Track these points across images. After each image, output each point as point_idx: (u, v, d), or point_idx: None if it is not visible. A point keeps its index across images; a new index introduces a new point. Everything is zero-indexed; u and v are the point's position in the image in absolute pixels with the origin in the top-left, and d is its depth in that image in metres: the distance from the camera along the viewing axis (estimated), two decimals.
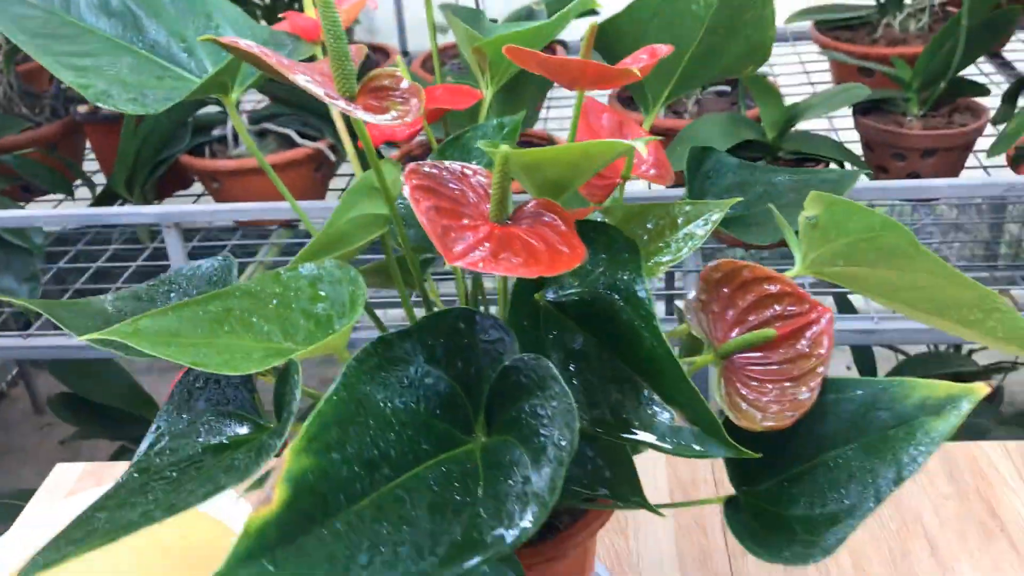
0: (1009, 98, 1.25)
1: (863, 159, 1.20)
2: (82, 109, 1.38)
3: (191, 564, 0.84)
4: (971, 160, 1.25)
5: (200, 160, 1.23)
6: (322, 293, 0.58)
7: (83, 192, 1.44)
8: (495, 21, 1.11)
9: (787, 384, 0.54)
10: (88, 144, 1.46)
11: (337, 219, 0.63)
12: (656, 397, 0.50)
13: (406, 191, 0.47)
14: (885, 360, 1.90)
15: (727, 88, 1.36)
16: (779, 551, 0.52)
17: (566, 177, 0.52)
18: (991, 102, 1.27)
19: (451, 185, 0.50)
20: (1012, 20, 1.13)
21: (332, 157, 1.27)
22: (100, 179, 1.44)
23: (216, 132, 1.29)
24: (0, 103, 1.38)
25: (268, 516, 0.39)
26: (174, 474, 0.51)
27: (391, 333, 0.49)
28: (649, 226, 0.63)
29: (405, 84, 0.50)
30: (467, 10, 0.86)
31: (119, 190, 1.23)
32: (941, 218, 1.87)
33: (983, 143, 1.24)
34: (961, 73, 1.23)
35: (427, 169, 0.49)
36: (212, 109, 1.30)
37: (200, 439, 0.54)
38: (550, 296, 0.55)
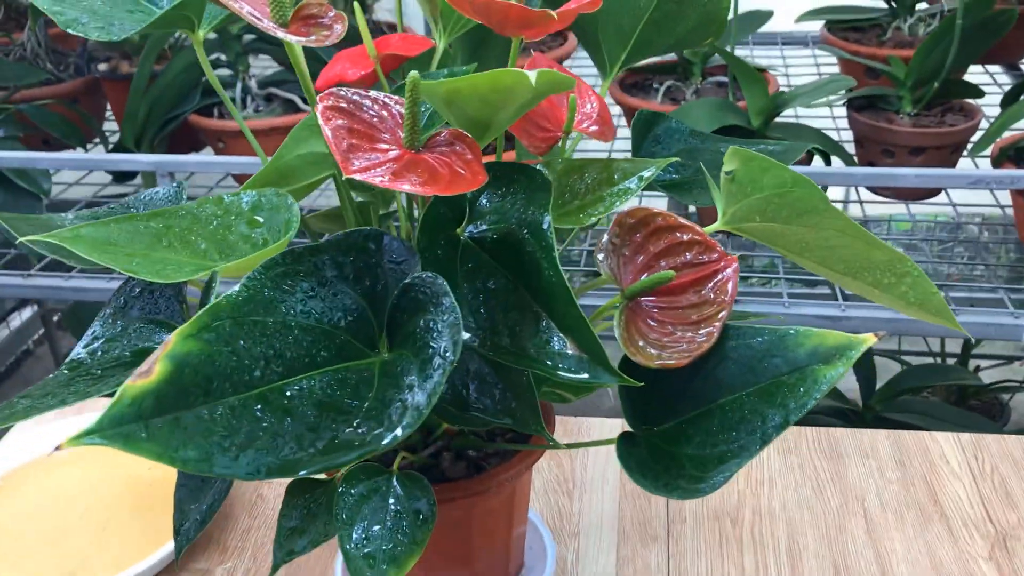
0: (1008, 102, 1.25)
1: (853, 155, 1.21)
2: (102, 67, 1.43)
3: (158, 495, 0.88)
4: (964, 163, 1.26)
5: (206, 120, 1.28)
6: (260, 219, 0.61)
7: (100, 151, 1.49)
8: None
9: (688, 327, 0.56)
10: (108, 103, 1.52)
11: (285, 153, 0.66)
12: (553, 326, 0.53)
13: (318, 110, 0.50)
14: (887, 371, 1.90)
15: (726, 79, 1.38)
16: (667, 485, 0.54)
17: (485, 113, 0.55)
18: (991, 107, 1.28)
19: (369, 112, 0.52)
20: (1009, 22, 1.14)
21: None
22: (117, 138, 1.49)
23: (227, 94, 1.33)
24: (27, 57, 1.43)
25: (146, 386, 0.42)
26: (99, 372, 0.55)
27: (301, 247, 0.52)
28: (588, 180, 0.65)
29: (331, 13, 0.53)
30: None
31: (129, 145, 1.28)
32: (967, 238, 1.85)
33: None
34: (966, 77, 1.23)
35: (347, 94, 0.52)
36: (224, 72, 1.34)
37: (129, 343, 0.57)
38: (470, 231, 0.57)
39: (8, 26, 1.62)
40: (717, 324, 0.56)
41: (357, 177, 0.47)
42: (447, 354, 0.47)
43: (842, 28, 1.50)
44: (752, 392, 0.55)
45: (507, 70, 0.49)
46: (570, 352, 0.52)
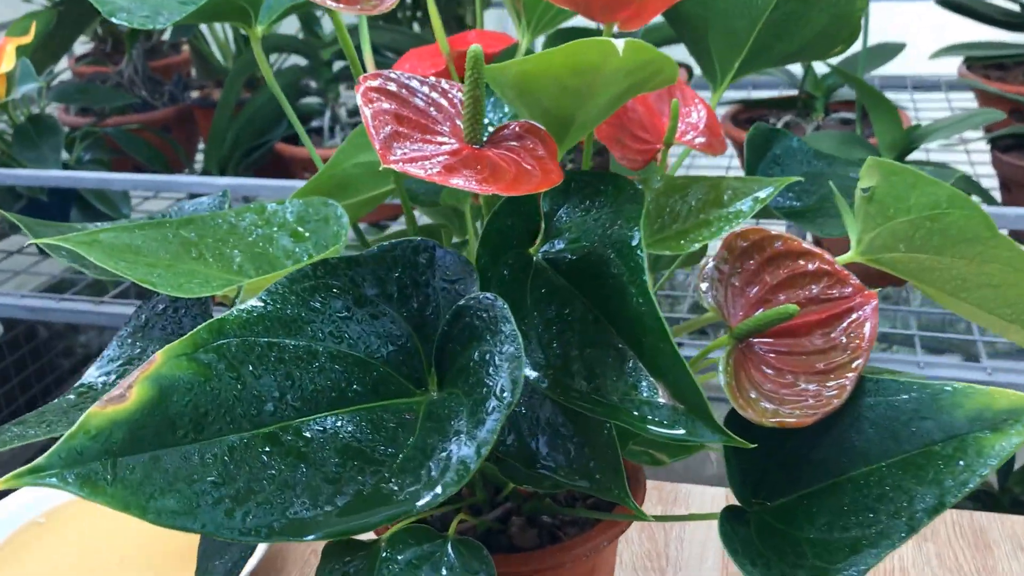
0: None
1: (997, 199, 1.08)
2: (194, 95, 1.40)
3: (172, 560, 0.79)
4: None
5: (293, 148, 1.22)
6: (305, 232, 0.53)
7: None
8: None
9: (813, 377, 0.45)
10: (200, 133, 1.49)
11: (342, 160, 0.58)
12: (641, 367, 0.42)
13: (359, 91, 0.41)
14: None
15: (852, 116, 1.26)
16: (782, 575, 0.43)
17: (566, 106, 0.45)
18: None
19: (424, 99, 0.44)
20: None
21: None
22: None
23: (315, 123, 1.28)
24: (123, 83, 1.41)
25: (117, 414, 0.33)
26: None
27: (337, 257, 0.43)
28: (692, 202, 0.55)
29: None
30: None
31: (212, 171, 1.23)
32: None
33: None
34: None
35: (398, 76, 0.43)
36: (313, 100, 1.29)
37: None
38: (545, 250, 0.48)
39: (115, 57, 1.62)
40: (851, 375, 0.45)
41: (396, 168, 0.38)
42: (504, 394, 0.38)
43: (983, 66, 1.37)
44: (895, 463, 0.44)
45: (588, 40, 0.39)
46: (662, 401, 0.41)
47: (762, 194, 0.53)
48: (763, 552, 0.44)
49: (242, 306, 0.39)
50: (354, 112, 1.26)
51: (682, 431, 0.40)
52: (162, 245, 0.50)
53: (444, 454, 0.37)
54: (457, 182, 0.38)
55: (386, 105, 0.41)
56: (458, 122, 0.44)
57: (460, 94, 0.45)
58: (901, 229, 0.48)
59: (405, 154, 0.39)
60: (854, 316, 0.46)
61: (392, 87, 0.42)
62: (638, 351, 0.42)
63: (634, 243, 0.43)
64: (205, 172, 1.24)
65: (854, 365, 0.45)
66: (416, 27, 1.38)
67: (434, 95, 0.44)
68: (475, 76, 0.41)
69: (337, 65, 1.26)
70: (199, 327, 0.37)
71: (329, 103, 1.25)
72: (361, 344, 0.42)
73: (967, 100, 1.58)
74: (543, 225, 0.48)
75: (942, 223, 0.47)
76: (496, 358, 0.39)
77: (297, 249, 0.52)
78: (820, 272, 0.47)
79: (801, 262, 0.47)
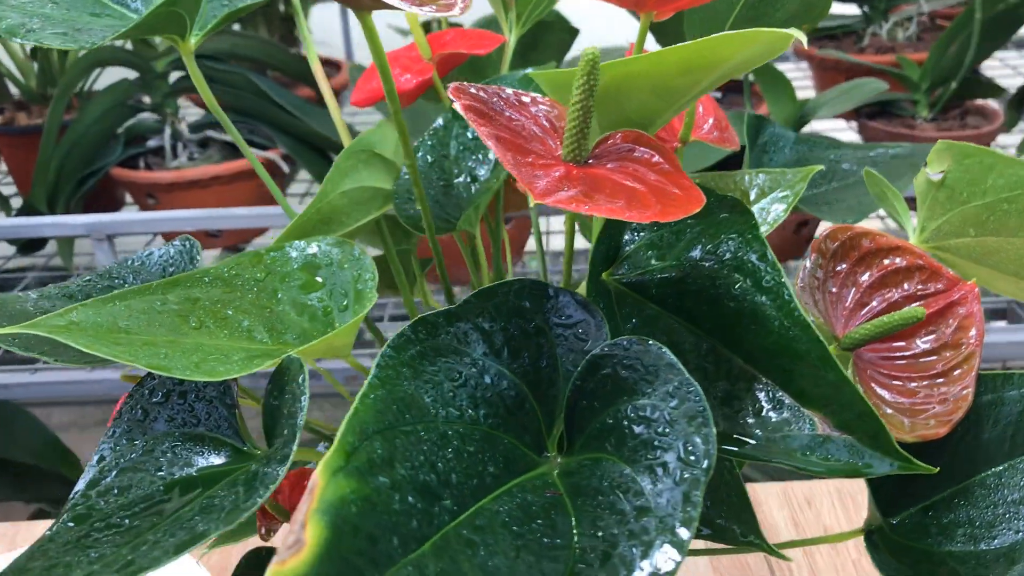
0: (1017, 104, 1.17)
1: None
2: None
3: None
4: None
5: (134, 172, 1.08)
6: (318, 279, 0.45)
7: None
8: None
9: (932, 381, 0.42)
10: (3, 162, 1.30)
11: (330, 189, 0.49)
12: (786, 398, 0.38)
13: (457, 107, 0.34)
14: None
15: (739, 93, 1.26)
16: None
17: (653, 109, 0.40)
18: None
19: (507, 114, 0.37)
20: None
21: (286, 168, 1.13)
22: (18, 202, 1.27)
23: (152, 142, 1.14)
24: None
25: (300, 568, 0.25)
26: (127, 520, 0.37)
27: (434, 312, 0.35)
28: None
29: None
30: None
31: (40, 207, 1.07)
32: None
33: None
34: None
35: (475, 91, 0.36)
36: (147, 116, 1.15)
37: (161, 472, 0.39)
38: (621, 274, 0.42)
39: None
40: (971, 374, 0.42)
41: (549, 202, 0.31)
42: (693, 456, 0.32)
43: (815, 38, 1.41)
44: None
45: (729, 34, 0.34)
46: (821, 433, 0.37)
47: (798, 186, 0.49)
48: (905, 573, 0.41)
49: (362, 392, 0.31)
50: (198, 127, 1.13)
51: (857, 462, 0.36)
52: (152, 318, 0.40)
53: (630, 534, 0.31)
54: (604, 212, 0.32)
55: (487, 129, 0.33)
56: (549, 140, 0.37)
57: (541, 107, 0.38)
58: (973, 213, 0.46)
59: (544, 185, 0.32)
60: (958, 311, 0.43)
61: (478, 105, 0.35)
62: (782, 380, 0.37)
63: (767, 259, 0.38)
64: (30, 210, 1.07)
65: (972, 362, 0.42)
66: (264, 32, 1.26)
67: (512, 109, 0.37)
68: (590, 84, 0.34)
69: (174, 76, 1.12)
70: (343, 430, 0.29)
71: (168, 119, 1.12)
72: (481, 414, 0.34)
73: (788, 67, 1.64)
74: (618, 248, 0.43)
75: (1021, 203, 0.45)
76: (666, 414, 0.33)
77: (310, 300, 0.44)
78: (912, 267, 0.44)
79: (891, 259, 0.44)
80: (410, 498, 0.29)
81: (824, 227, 0.45)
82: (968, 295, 0.43)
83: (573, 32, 0.98)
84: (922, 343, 0.43)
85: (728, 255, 0.39)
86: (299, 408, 0.35)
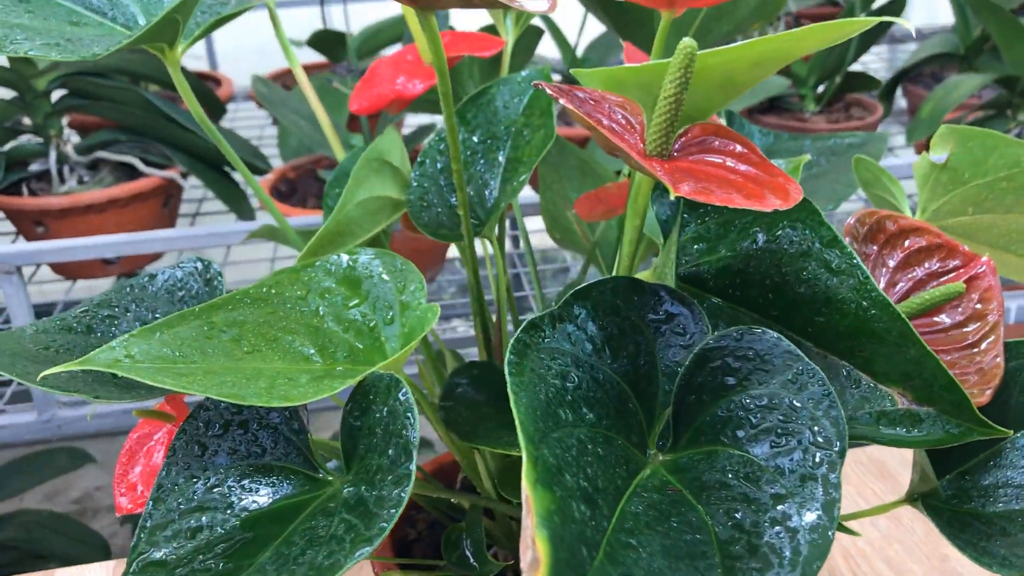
0: (886, 95, 1.25)
1: None
2: None
3: None
4: None
5: (19, 199, 1.00)
6: (360, 293, 0.43)
7: None
8: None
9: (970, 352, 0.44)
10: None
11: (348, 201, 0.47)
12: (863, 377, 0.39)
13: (564, 105, 0.33)
14: None
15: None
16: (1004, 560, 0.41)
17: (713, 103, 0.40)
18: None
19: (596, 114, 0.36)
20: (903, 6, 1.13)
21: (186, 187, 1.08)
22: None
23: (34, 167, 1.06)
24: None
25: None
26: (212, 563, 0.34)
27: (539, 315, 0.34)
28: None
29: None
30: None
31: None
32: None
33: None
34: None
35: (569, 91, 0.36)
36: (27, 139, 1.07)
37: (233, 509, 0.36)
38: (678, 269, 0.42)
39: None
40: (998, 341, 0.44)
41: (686, 193, 0.31)
42: (829, 441, 0.32)
43: None
44: None
45: (812, 28, 0.35)
46: (901, 407, 0.38)
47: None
48: (972, 538, 0.43)
49: (518, 397, 0.30)
50: (86, 148, 1.06)
51: (942, 432, 0.37)
52: (203, 344, 0.38)
53: (778, 528, 0.31)
54: (727, 199, 0.32)
55: (608, 130, 0.33)
56: (628, 135, 0.37)
57: (611, 103, 0.38)
58: (973, 193, 0.49)
59: (675, 179, 0.32)
60: (980, 284, 0.46)
61: (573, 104, 0.34)
62: (859, 361, 0.39)
63: (837, 242, 0.39)
64: None
65: (998, 332, 0.44)
66: None
67: (597, 109, 0.37)
68: (686, 76, 0.34)
69: (56, 95, 1.04)
70: (525, 442, 0.27)
71: (52, 141, 1.04)
72: (597, 416, 0.34)
73: None
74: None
75: (1017, 181, 0.48)
76: (789, 401, 0.33)
77: (353, 315, 0.42)
78: (932, 246, 0.46)
79: (912, 239, 0.46)
80: (582, 506, 0.29)
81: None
82: (987, 269, 0.46)
83: (539, 32, 0.98)
84: (950, 315, 0.45)
85: (790, 242, 0.40)
86: (407, 423, 0.33)
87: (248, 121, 1.50)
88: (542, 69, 0.53)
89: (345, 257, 0.43)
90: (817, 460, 0.32)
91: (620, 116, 0.37)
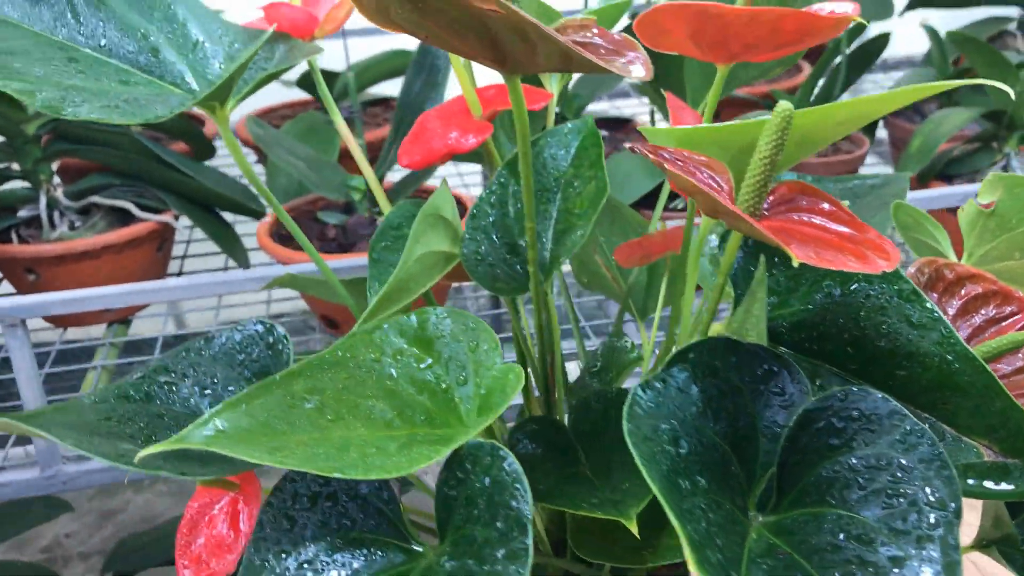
0: (869, 128, 1.27)
1: None
2: None
3: None
4: None
5: (10, 247, 0.98)
6: (432, 353, 0.42)
7: None
8: None
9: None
10: None
11: (408, 258, 0.47)
12: (947, 430, 0.39)
13: (670, 171, 0.33)
14: None
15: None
16: None
17: (790, 157, 0.41)
18: None
19: (694, 175, 0.36)
20: (885, 44, 1.16)
21: (176, 228, 1.06)
22: None
23: (24, 212, 1.03)
24: None
25: None
26: None
27: (649, 379, 0.34)
28: None
29: (616, 36, 0.36)
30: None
31: None
32: None
33: (864, 171, 1.25)
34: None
35: (663, 153, 0.36)
36: (15, 185, 1.05)
37: None
38: None
39: None
40: None
41: (804, 258, 0.31)
42: (935, 496, 0.32)
43: None
44: None
45: (900, 91, 0.35)
46: (988, 460, 0.38)
47: None
48: None
49: (646, 474, 0.29)
50: (77, 194, 1.04)
51: None
52: (288, 415, 0.37)
53: None
54: (838, 262, 0.32)
55: (711, 194, 0.33)
56: (723, 197, 0.37)
57: (698, 163, 0.38)
58: (1020, 239, 0.50)
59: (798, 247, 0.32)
60: None
61: (680, 167, 0.34)
62: (943, 414, 0.39)
63: (917, 295, 0.39)
64: None
65: None
66: None
67: (687, 166, 0.37)
68: (782, 139, 0.35)
69: (47, 139, 1.02)
70: (678, 520, 0.27)
71: (42, 186, 1.02)
72: (708, 481, 0.34)
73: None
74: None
75: None
76: (899, 461, 0.33)
77: (428, 376, 0.42)
78: (988, 293, 0.47)
79: (970, 286, 0.47)
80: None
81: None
82: None
83: None
84: (1009, 364, 0.46)
85: (866, 296, 0.41)
86: (517, 494, 0.33)
87: (230, 159, 1.48)
88: (587, 121, 0.53)
89: (415, 317, 0.43)
90: (932, 521, 0.32)
91: (706, 176, 0.38)
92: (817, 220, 0.36)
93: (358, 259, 0.80)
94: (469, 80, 0.50)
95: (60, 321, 1.05)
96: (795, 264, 0.30)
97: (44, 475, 0.83)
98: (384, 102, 1.40)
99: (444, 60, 0.96)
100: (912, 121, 1.26)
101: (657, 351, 0.61)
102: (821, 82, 1.19)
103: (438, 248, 0.49)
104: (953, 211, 1.00)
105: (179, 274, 1.19)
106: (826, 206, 0.37)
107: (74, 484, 0.84)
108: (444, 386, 0.42)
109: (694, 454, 0.34)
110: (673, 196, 1.04)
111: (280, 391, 0.38)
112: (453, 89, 1.03)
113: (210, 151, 1.19)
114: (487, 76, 0.53)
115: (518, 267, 0.50)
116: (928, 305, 0.39)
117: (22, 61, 0.44)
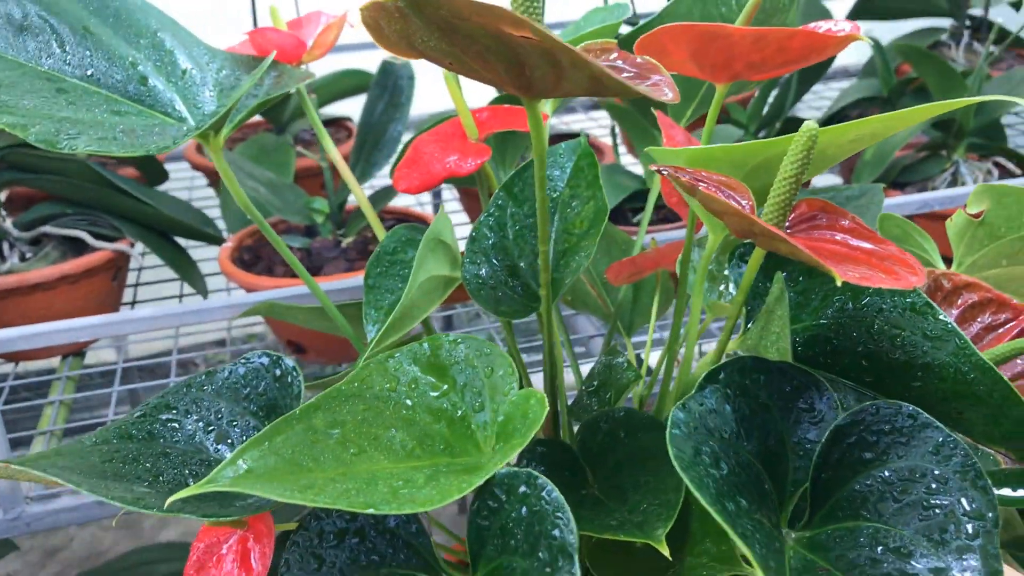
0: None
1: None
2: None
3: None
4: None
5: None
6: (447, 380, 0.42)
7: None
8: None
9: None
10: None
11: (413, 285, 0.46)
12: (958, 441, 0.40)
13: (703, 192, 0.33)
14: None
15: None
16: None
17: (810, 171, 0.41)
18: None
19: (719, 194, 0.36)
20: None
21: (139, 258, 1.03)
22: None
23: None
24: None
25: None
26: None
27: (681, 403, 0.34)
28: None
29: (638, 59, 0.36)
30: None
31: None
32: None
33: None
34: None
35: (695, 176, 0.36)
36: None
37: None
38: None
39: None
40: None
41: (850, 278, 0.31)
42: (978, 513, 0.33)
43: None
44: None
45: (915, 109, 0.36)
46: (1005, 468, 0.39)
47: None
48: None
49: (706, 495, 0.29)
50: (28, 224, 1.01)
51: None
52: (312, 450, 0.37)
53: None
54: (866, 278, 0.33)
55: (740, 216, 0.33)
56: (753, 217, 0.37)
57: (721, 181, 0.38)
58: (1008, 245, 0.51)
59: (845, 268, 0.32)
60: None
61: (707, 186, 0.35)
62: (959, 423, 0.40)
63: (930, 308, 0.40)
64: None
65: None
66: None
67: (710, 186, 0.37)
68: (808, 157, 0.35)
69: None
70: (748, 546, 0.27)
71: None
72: (748, 501, 0.34)
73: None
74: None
75: None
76: (934, 472, 0.34)
77: (444, 405, 0.41)
78: (984, 301, 0.48)
79: (966, 295, 0.48)
80: None
81: None
82: None
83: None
84: (1009, 371, 0.47)
85: (879, 309, 0.41)
86: (559, 522, 0.33)
87: (179, 183, 1.45)
88: (580, 140, 0.53)
89: (427, 344, 0.42)
90: (971, 531, 0.33)
91: (728, 195, 0.38)
92: (839, 237, 0.37)
93: (334, 283, 0.79)
94: (464, 104, 0.49)
95: (13, 356, 1.01)
96: (838, 283, 0.30)
97: (7, 517, 0.80)
98: (336, 122, 1.38)
99: (407, 81, 0.95)
100: None
101: (650, 366, 0.61)
102: (774, 94, 1.21)
103: (438, 272, 0.49)
104: (914, 217, 1.02)
105: (132, 303, 1.16)
106: (846, 222, 0.37)
107: (40, 525, 0.81)
108: (460, 413, 0.41)
109: (733, 474, 0.34)
110: (637, 211, 1.05)
111: (301, 426, 0.37)
112: (416, 109, 1.03)
113: (162, 175, 1.17)
114: (471, 95, 0.53)
115: (519, 290, 0.50)
116: (942, 317, 0.40)
117: (9, 93, 0.42)
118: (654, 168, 0.35)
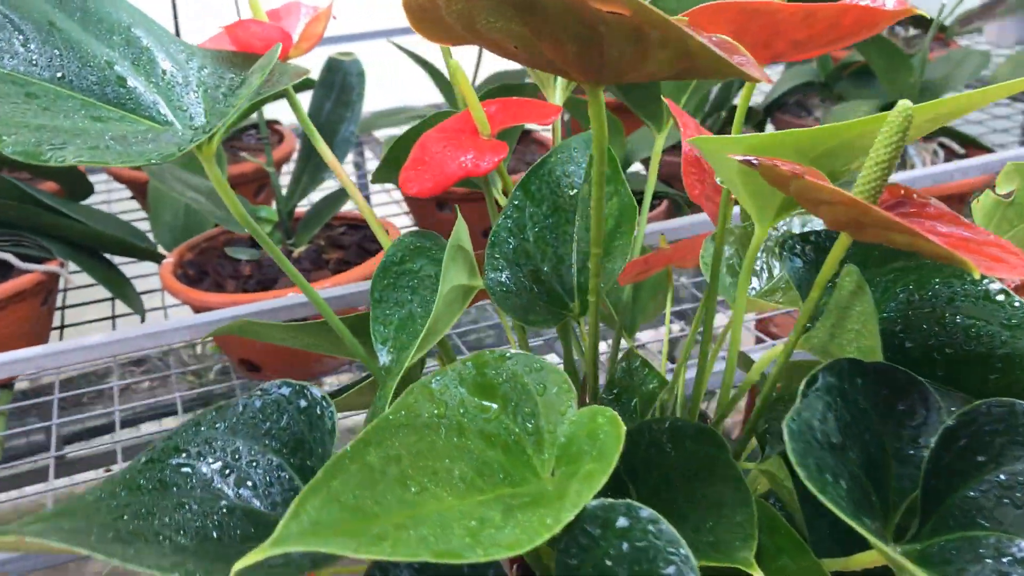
0: (760, 127, 1.30)
1: (680, 192, 1.17)
2: None
3: None
4: None
5: None
6: (497, 399, 0.38)
7: None
8: None
9: None
10: None
11: (439, 300, 0.42)
12: None
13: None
14: None
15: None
16: None
17: (853, 165, 0.38)
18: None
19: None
20: None
21: (64, 281, 0.96)
22: None
23: None
24: None
25: None
26: None
27: (790, 415, 0.31)
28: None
29: (714, 37, 0.33)
30: None
31: None
32: None
33: None
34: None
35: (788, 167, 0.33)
36: None
37: None
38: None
39: None
40: None
41: (984, 270, 0.29)
42: None
43: None
44: None
45: (967, 94, 0.34)
46: None
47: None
48: None
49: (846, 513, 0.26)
50: None
51: None
52: (372, 493, 0.32)
53: None
54: (1002, 269, 0.30)
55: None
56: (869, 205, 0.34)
57: (799, 170, 0.35)
58: None
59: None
60: None
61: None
62: None
63: (1007, 296, 0.37)
64: None
65: None
66: None
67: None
68: (901, 140, 0.32)
69: None
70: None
71: None
72: (867, 516, 0.31)
73: None
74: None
75: None
76: None
77: (495, 429, 0.37)
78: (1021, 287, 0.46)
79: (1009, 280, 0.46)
80: None
81: None
82: None
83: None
84: None
85: (948, 299, 0.39)
86: (676, 558, 0.29)
87: (102, 196, 1.37)
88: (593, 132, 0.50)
89: (471, 363, 0.38)
90: None
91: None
92: (928, 224, 0.34)
93: (300, 296, 0.74)
94: (475, 97, 0.45)
95: None
96: (976, 276, 0.28)
97: None
98: (256, 127, 1.32)
99: (357, 78, 0.90)
100: (799, 116, 1.29)
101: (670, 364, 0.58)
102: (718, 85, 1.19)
103: (458, 282, 0.45)
104: None
105: (61, 328, 1.08)
106: (931, 209, 0.35)
107: (11, 568, 0.73)
108: (514, 438, 0.37)
109: (850, 491, 0.31)
110: None
111: (356, 466, 0.32)
112: (367, 106, 0.98)
113: (87, 189, 1.09)
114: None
115: (544, 297, 0.46)
116: (1020, 303, 0.38)
117: None
118: (741, 159, 0.32)
